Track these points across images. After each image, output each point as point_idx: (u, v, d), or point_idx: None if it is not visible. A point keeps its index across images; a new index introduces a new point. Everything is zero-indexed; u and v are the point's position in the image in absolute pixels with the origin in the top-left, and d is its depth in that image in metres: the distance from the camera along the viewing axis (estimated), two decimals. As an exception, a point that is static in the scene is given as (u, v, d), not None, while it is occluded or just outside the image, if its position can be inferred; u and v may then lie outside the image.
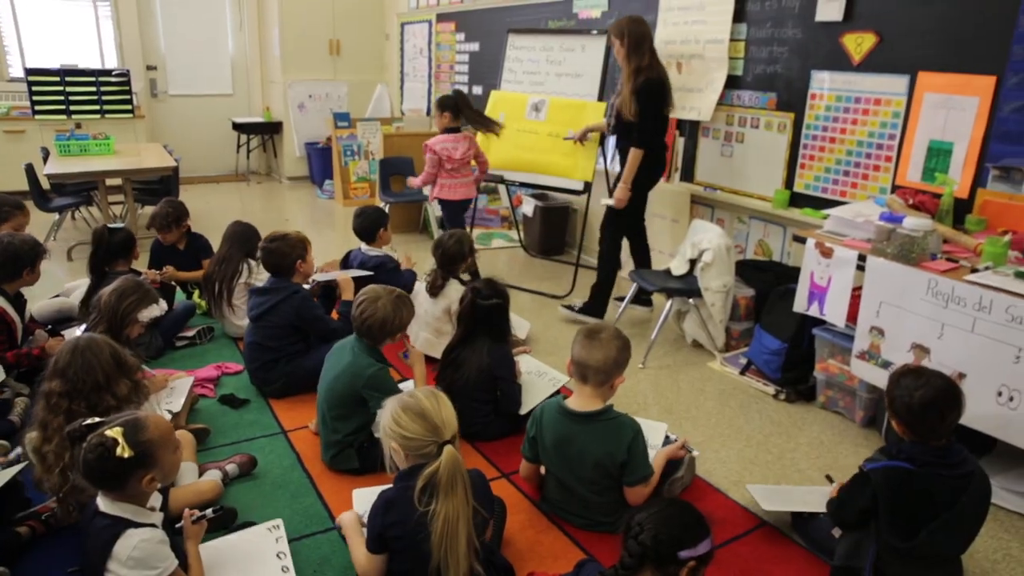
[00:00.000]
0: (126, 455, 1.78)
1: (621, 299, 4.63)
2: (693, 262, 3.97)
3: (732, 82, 4.45)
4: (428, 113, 8.14)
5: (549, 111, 5.07)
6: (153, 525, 1.89)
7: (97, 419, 1.91)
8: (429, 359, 3.14)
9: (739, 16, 4.35)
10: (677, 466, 2.63)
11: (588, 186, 5.01)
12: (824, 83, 3.90)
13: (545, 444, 2.44)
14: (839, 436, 3.19)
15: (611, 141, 5.35)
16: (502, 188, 6.59)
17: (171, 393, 3.00)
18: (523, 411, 2.99)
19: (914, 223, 2.83)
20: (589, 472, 2.38)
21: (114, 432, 1.81)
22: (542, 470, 2.58)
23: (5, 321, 3.26)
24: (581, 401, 2.40)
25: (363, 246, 4.17)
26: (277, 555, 2.18)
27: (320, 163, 8.45)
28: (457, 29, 7.54)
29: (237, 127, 9.04)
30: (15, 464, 2.44)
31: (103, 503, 1.87)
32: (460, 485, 1.85)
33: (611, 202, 4.21)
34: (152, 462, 1.85)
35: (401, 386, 2.78)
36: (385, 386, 2.68)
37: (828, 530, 2.32)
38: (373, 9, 8.94)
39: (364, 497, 2.36)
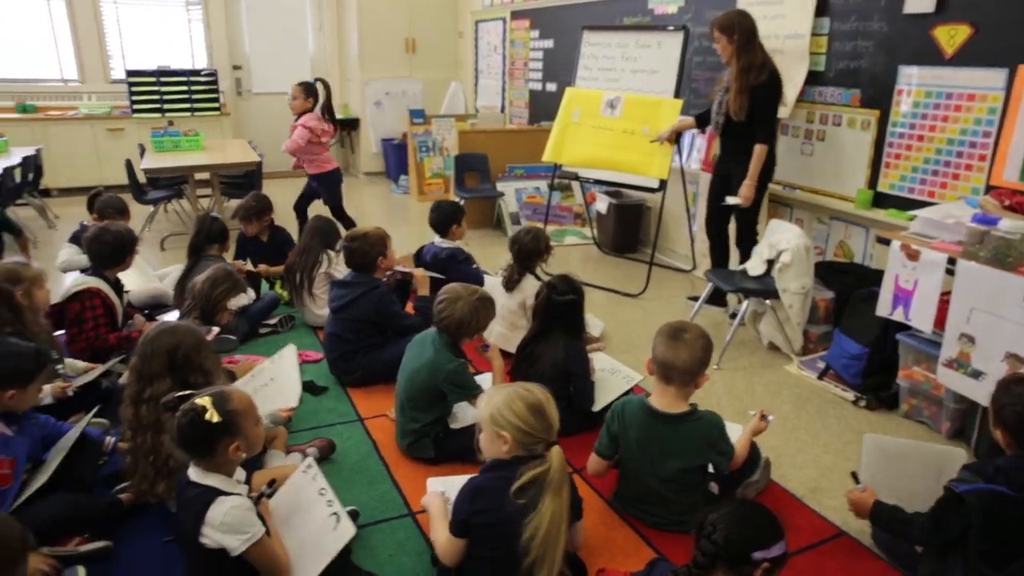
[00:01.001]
0: (215, 420, 1.89)
1: (694, 299, 4.59)
2: (771, 263, 3.89)
3: (813, 78, 4.35)
4: (502, 110, 8.21)
5: (624, 108, 5.04)
6: (240, 494, 1.97)
7: (188, 391, 2.03)
8: (503, 353, 3.18)
9: (821, 10, 4.24)
10: (752, 469, 2.59)
11: (664, 184, 4.97)
12: (912, 78, 3.77)
13: (628, 442, 2.43)
14: (923, 446, 3.08)
15: (687, 139, 5.32)
16: (576, 185, 6.59)
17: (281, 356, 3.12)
18: (596, 408, 3.00)
19: (1011, 225, 2.72)
20: (672, 472, 2.37)
21: (203, 400, 1.93)
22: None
23: (108, 305, 3.46)
24: (666, 401, 2.38)
25: (436, 239, 4.25)
26: (319, 492, 2.21)
27: (396, 159, 8.62)
28: (532, 26, 7.57)
29: (317, 124, 9.28)
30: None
31: (194, 473, 1.96)
32: (566, 486, 1.89)
33: (737, 201, 4.12)
34: (237, 430, 1.94)
35: (478, 379, 2.83)
36: (465, 382, 2.75)
37: (912, 546, 2.24)
38: (448, 8, 9.06)
39: (439, 486, 2.40)
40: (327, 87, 5.52)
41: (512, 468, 1.91)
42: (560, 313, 3.01)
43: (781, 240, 3.85)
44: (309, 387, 3.41)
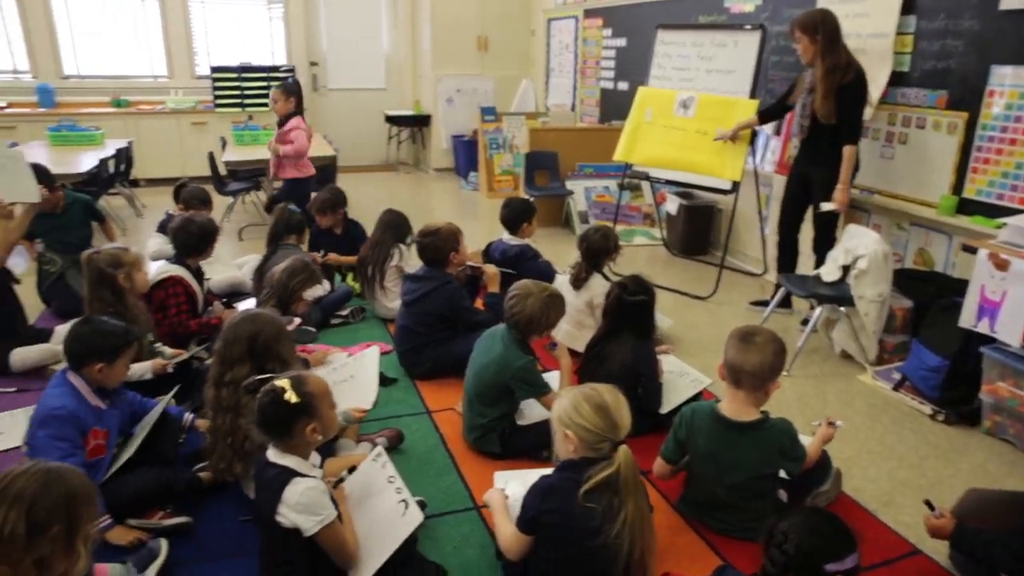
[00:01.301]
0: (293, 400, 1.96)
1: (760, 303, 4.51)
2: (846, 269, 3.79)
3: (896, 79, 4.21)
4: (573, 109, 8.20)
5: (698, 108, 4.98)
6: (315, 477, 2.03)
7: (267, 375, 2.11)
8: (570, 352, 3.19)
9: (908, 8, 4.10)
10: (822, 478, 2.54)
11: (736, 186, 4.89)
12: (1006, 79, 3.61)
13: (697, 449, 2.41)
14: (1008, 467, 2.95)
15: (760, 139, 5.22)
16: (645, 185, 6.54)
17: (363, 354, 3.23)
18: (663, 410, 2.98)
19: (1109, 236, 2.59)
20: (741, 480, 2.34)
21: (283, 382, 2.00)
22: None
23: (189, 293, 3.61)
24: (736, 408, 2.34)
25: (505, 235, 4.28)
26: (388, 479, 2.25)
27: (466, 155, 8.70)
28: (605, 25, 7.54)
29: (389, 119, 9.46)
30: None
31: (272, 454, 2.03)
32: (641, 485, 1.90)
33: (832, 206, 4.01)
34: (314, 412, 2.00)
35: (545, 377, 2.84)
36: (533, 379, 2.77)
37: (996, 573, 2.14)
38: (520, 6, 9.10)
39: (505, 479, 2.43)
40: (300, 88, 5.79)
41: (581, 469, 1.91)
42: (630, 313, 3.00)
43: (858, 246, 3.75)
44: (379, 379, 3.49)
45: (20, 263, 4.34)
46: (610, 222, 5.64)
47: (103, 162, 6.13)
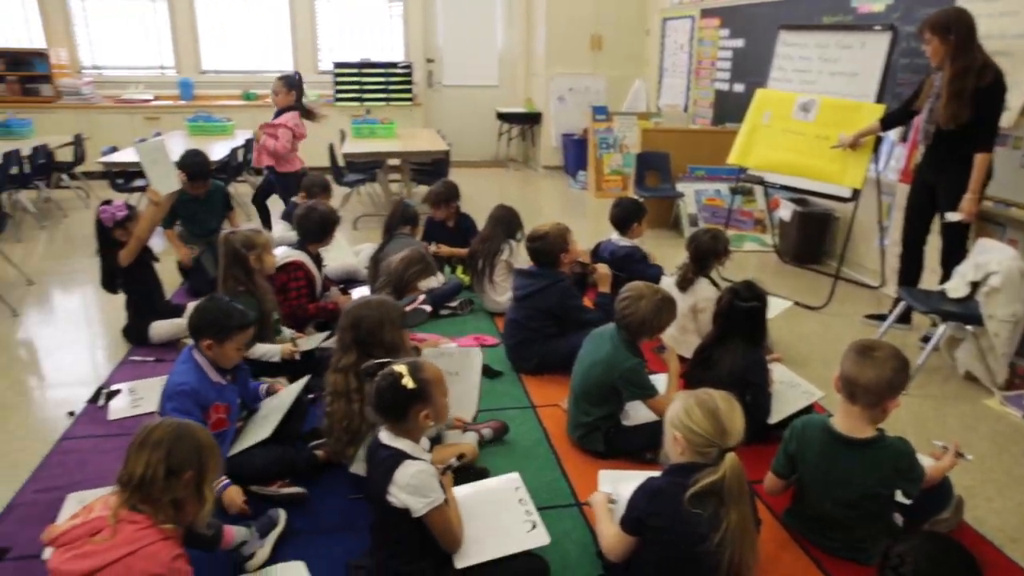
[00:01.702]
0: (409, 386, 2.04)
1: (876, 317, 4.33)
2: (975, 285, 3.59)
3: (1046, 85, 3.94)
4: (685, 110, 8.08)
5: (819, 112, 4.81)
6: (426, 461, 2.10)
7: (386, 360, 2.20)
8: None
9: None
10: (942, 505, 2.43)
11: (857, 193, 4.71)
12: None
13: (807, 463, 2.35)
14: None
15: (884, 146, 5.00)
16: (758, 190, 6.37)
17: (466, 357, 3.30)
18: (772, 420, 2.92)
19: None
20: (854, 498, 2.26)
21: (400, 368, 2.08)
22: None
23: (309, 277, 3.80)
24: (849, 423, 2.27)
25: (614, 236, 4.28)
26: (519, 501, 2.29)
27: (575, 154, 8.72)
28: (722, 25, 7.38)
29: (501, 116, 9.60)
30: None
31: (385, 436, 2.11)
32: (747, 496, 1.87)
33: (959, 216, 3.81)
34: (428, 398, 2.07)
35: (653, 379, 2.84)
36: (640, 381, 2.77)
37: None
38: (635, 5, 9.03)
39: (610, 478, 2.45)
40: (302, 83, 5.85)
41: (688, 474, 1.90)
42: (742, 319, 2.95)
43: (991, 261, 3.54)
44: (485, 370, 3.56)
45: (157, 243, 4.67)
46: (721, 226, 5.55)
47: (233, 151, 6.52)
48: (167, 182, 3.99)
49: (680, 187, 6.60)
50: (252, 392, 2.87)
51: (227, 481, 2.47)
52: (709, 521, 1.85)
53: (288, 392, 2.84)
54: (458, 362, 3.11)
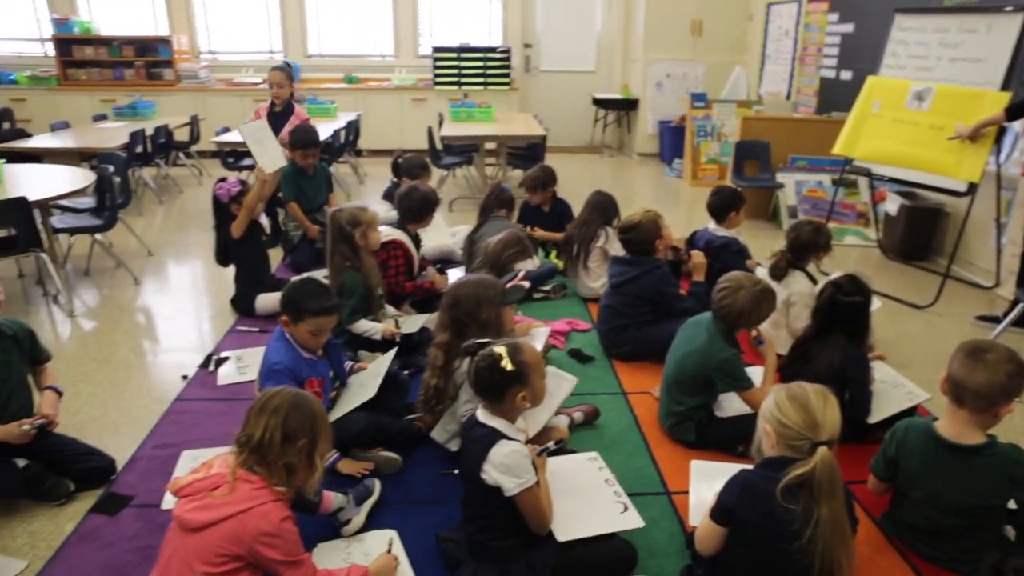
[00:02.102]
0: (508, 368, 2.06)
1: (989, 318, 4.11)
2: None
3: None
4: (788, 98, 7.83)
5: (935, 101, 4.57)
6: (520, 441, 2.12)
7: (486, 340, 2.25)
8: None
9: None
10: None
11: (973, 187, 4.46)
12: None
13: (909, 469, 2.27)
14: None
15: (1008, 137, 4.71)
16: (862, 182, 6.12)
17: (531, 339, 3.35)
18: (871, 420, 2.83)
19: None
20: (960, 507, 2.17)
21: (500, 349, 2.10)
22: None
23: (408, 256, 3.90)
24: (956, 429, 2.17)
25: (711, 225, 4.20)
26: (605, 481, 2.30)
27: (671, 142, 8.60)
28: (831, 9, 7.11)
29: (596, 102, 9.55)
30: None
31: (482, 415, 2.15)
32: (839, 491, 1.81)
33: None
34: (526, 380, 2.09)
35: (748, 372, 2.80)
36: (736, 372, 2.73)
37: None
38: (740, -11, 8.79)
39: (702, 469, 2.44)
40: None
41: (780, 468, 1.85)
42: (843, 314, 2.85)
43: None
44: (577, 355, 3.61)
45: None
46: (822, 219, 5.37)
47: (336, 133, 6.74)
48: (273, 159, 4.17)
49: (780, 177, 6.41)
50: (343, 367, 2.95)
51: (338, 454, 2.62)
52: (802, 517, 1.81)
53: (382, 361, 2.94)
54: (552, 383, 3.02)
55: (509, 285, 2.79)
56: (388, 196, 5.08)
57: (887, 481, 2.38)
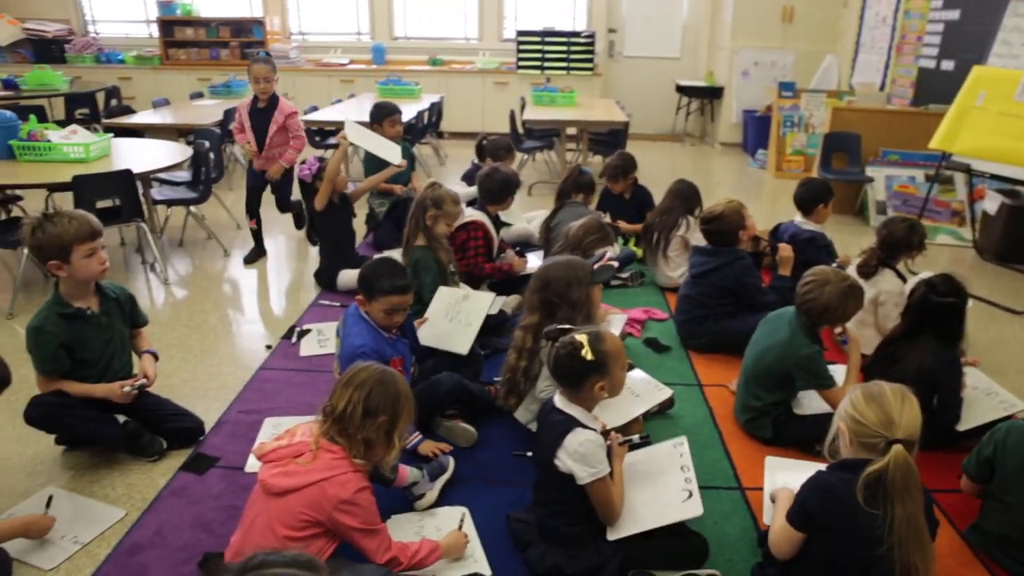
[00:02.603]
0: (588, 357, 2.05)
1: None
2: None
3: None
4: (882, 88, 7.50)
5: (1048, 93, 4.31)
6: (596, 430, 2.12)
7: (569, 326, 2.24)
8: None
9: None
10: None
11: (1084, 188, 4.20)
12: None
13: (1005, 473, 2.18)
14: None
15: None
16: (958, 179, 5.83)
17: (608, 325, 3.34)
18: (961, 428, 2.72)
19: None
20: None
21: (581, 337, 2.09)
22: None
23: (488, 237, 3.94)
24: None
25: (797, 218, 4.07)
26: (680, 468, 2.25)
27: (756, 131, 8.37)
28: (936, -5, 6.75)
29: (680, 90, 9.37)
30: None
31: (559, 401, 2.16)
32: (916, 490, 1.75)
33: None
34: (606, 371, 2.08)
35: (831, 370, 2.73)
36: (817, 370, 2.66)
37: None
38: (835, -24, 8.45)
39: (777, 466, 2.39)
40: None
41: (858, 469, 1.79)
42: (936, 315, 2.73)
43: None
44: (653, 344, 3.59)
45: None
46: (914, 216, 5.16)
47: (419, 114, 6.83)
48: (392, 150, 4.24)
49: (870, 171, 6.16)
50: (418, 342, 2.98)
51: (420, 437, 2.68)
52: (885, 522, 1.75)
53: (483, 298, 3.12)
54: (646, 389, 2.97)
55: (597, 266, 2.79)
56: (468, 177, 5.13)
57: (978, 482, 2.29)
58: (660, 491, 2.20)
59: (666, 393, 2.90)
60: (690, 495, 2.14)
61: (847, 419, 1.85)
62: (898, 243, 3.43)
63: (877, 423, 1.79)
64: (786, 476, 2.24)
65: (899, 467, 1.73)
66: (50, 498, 2.40)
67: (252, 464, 2.62)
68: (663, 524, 2.08)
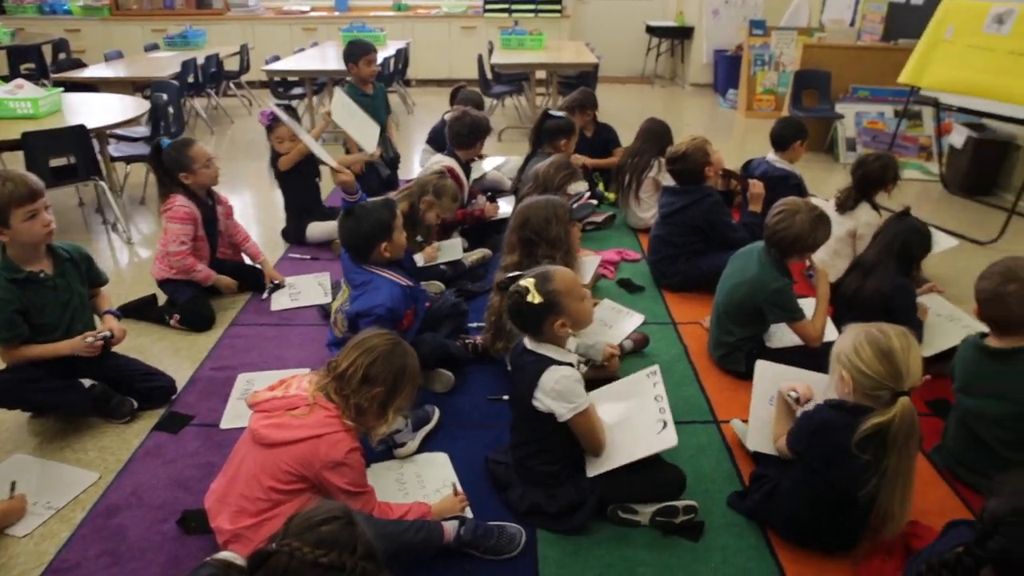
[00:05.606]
0: (536, 301, 2.01)
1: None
2: None
3: None
4: (852, 24, 7.44)
5: (1016, 24, 4.28)
6: (571, 365, 2.10)
7: (518, 273, 2.18)
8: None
9: None
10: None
11: (1051, 118, 4.22)
12: None
13: (957, 382, 2.26)
14: None
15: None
16: (927, 113, 5.85)
17: (581, 267, 3.33)
18: (925, 353, 2.76)
19: None
20: (1003, 416, 2.15)
21: (527, 282, 2.05)
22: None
23: (458, 183, 3.87)
24: (1004, 341, 2.17)
25: (770, 155, 4.05)
26: (655, 398, 2.24)
27: (726, 71, 8.30)
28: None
29: (650, 30, 9.23)
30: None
31: (528, 343, 2.14)
32: (914, 443, 1.76)
33: None
34: (559, 309, 2.04)
35: (800, 303, 2.74)
36: (787, 303, 2.68)
37: None
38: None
39: (766, 371, 2.41)
40: None
41: (856, 414, 1.80)
42: (899, 246, 2.80)
43: None
44: (626, 284, 3.60)
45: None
46: (885, 151, 5.18)
47: (385, 61, 6.66)
48: (369, 136, 4.05)
49: (840, 108, 6.16)
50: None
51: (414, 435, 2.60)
52: (869, 465, 1.77)
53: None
54: (613, 317, 3.06)
55: (576, 205, 2.77)
56: (436, 133, 4.98)
57: None
58: (635, 422, 2.20)
59: (638, 319, 2.94)
60: (664, 425, 2.13)
61: (851, 370, 1.83)
62: (872, 180, 3.46)
63: (886, 376, 1.78)
64: (776, 382, 2.28)
65: (904, 421, 1.74)
66: (13, 484, 2.29)
67: (227, 420, 2.61)
68: (640, 457, 2.08)
